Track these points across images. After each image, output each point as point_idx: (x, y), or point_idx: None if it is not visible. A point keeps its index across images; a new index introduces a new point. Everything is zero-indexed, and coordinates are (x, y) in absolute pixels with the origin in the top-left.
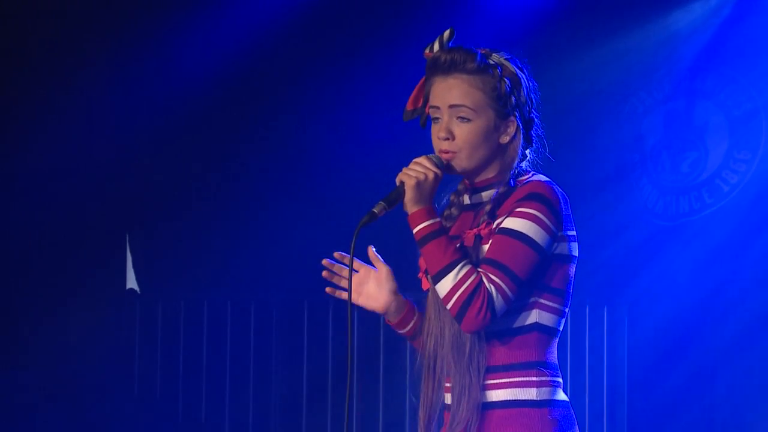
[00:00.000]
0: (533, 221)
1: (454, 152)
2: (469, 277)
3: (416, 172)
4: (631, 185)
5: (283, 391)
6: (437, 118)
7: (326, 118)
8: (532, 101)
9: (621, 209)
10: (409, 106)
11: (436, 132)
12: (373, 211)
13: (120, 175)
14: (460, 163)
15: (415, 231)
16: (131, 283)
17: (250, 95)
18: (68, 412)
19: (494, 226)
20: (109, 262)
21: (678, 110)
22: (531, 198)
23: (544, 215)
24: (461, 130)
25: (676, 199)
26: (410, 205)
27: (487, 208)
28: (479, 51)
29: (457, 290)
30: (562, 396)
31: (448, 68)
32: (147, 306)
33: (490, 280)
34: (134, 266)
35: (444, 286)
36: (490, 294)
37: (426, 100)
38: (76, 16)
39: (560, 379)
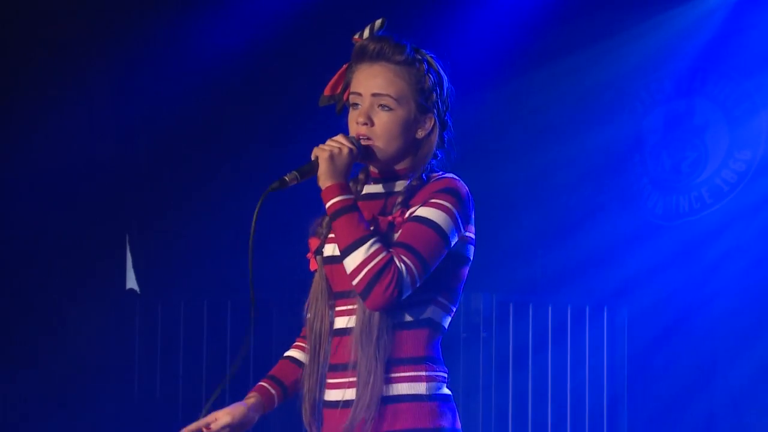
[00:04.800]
0: (446, 213)
1: (370, 138)
2: (380, 253)
3: (330, 146)
4: (631, 185)
5: None
6: (356, 104)
7: (329, 120)
8: (448, 104)
9: (621, 209)
10: (327, 92)
11: (355, 117)
12: (284, 178)
13: (120, 176)
14: (376, 151)
15: (327, 205)
16: (131, 283)
17: (250, 96)
18: (68, 412)
19: (407, 214)
20: (109, 262)
21: (678, 110)
22: (446, 192)
23: (456, 210)
24: (381, 119)
25: (676, 199)
26: (323, 179)
27: (400, 198)
28: (408, 44)
29: (367, 264)
30: (446, 390)
31: (375, 56)
32: (147, 306)
33: (401, 260)
34: (134, 266)
35: (354, 259)
36: (400, 272)
37: (345, 87)
38: (78, 17)
39: (446, 374)
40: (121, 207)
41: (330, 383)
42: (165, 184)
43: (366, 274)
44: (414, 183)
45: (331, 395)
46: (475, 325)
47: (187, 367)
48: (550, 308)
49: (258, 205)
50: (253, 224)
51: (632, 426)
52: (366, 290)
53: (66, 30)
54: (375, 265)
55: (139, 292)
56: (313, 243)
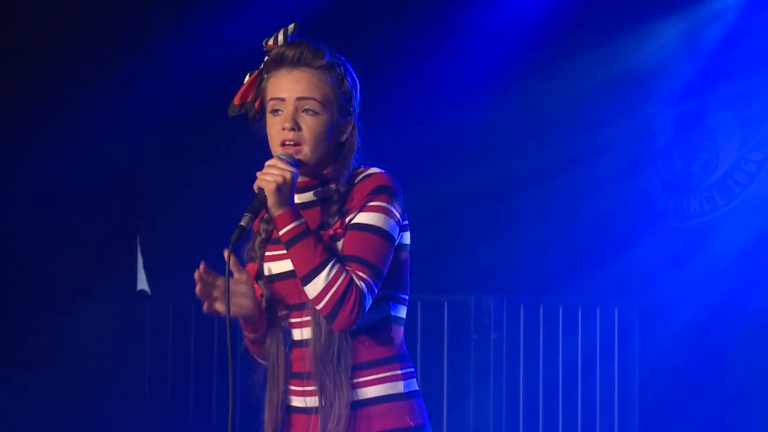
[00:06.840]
0: (385, 214)
1: (298, 143)
2: (340, 276)
3: (273, 176)
4: (642, 186)
5: None
6: (278, 110)
7: None
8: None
9: (632, 210)
10: (236, 101)
11: (279, 123)
12: (241, 225)
13: (131, 176)
14: (304, 156)
15: (281, 233)
16: (142, 283)
17: None
18: (80, 411)
19: (347, 220)
20: (121, 262)
21: (689, 111)
22: (380, 191)
23: (393, 207)
24: (308, 123)
25: (687, 200)
26: (274, 210)
27: (334, 208)
28: (326, 48)
29: (330, 290)
30: (416, 386)
31: (296, 62)
32: (158, 306)
33: (360, 278)
34: (145, 267)
35: (316, 286)
36: (361, 290)
37: (256, 96)
38: (83, 20)
39: (415, 370)
40: (131, 207)
41: (294, 390)
42: (176, 184)
43: (330, 299)
44: (342, 189)
45: (296, 401)
46: (485, 327)
47: (198, 366)
48: (560, 309)
49: (228, 258)
50: (226, 279)
51: (643, 425)
52: (332, 314)
53: (76, 33)
54: (337, 289)
55: (149, 293)
56: (252, 268)
